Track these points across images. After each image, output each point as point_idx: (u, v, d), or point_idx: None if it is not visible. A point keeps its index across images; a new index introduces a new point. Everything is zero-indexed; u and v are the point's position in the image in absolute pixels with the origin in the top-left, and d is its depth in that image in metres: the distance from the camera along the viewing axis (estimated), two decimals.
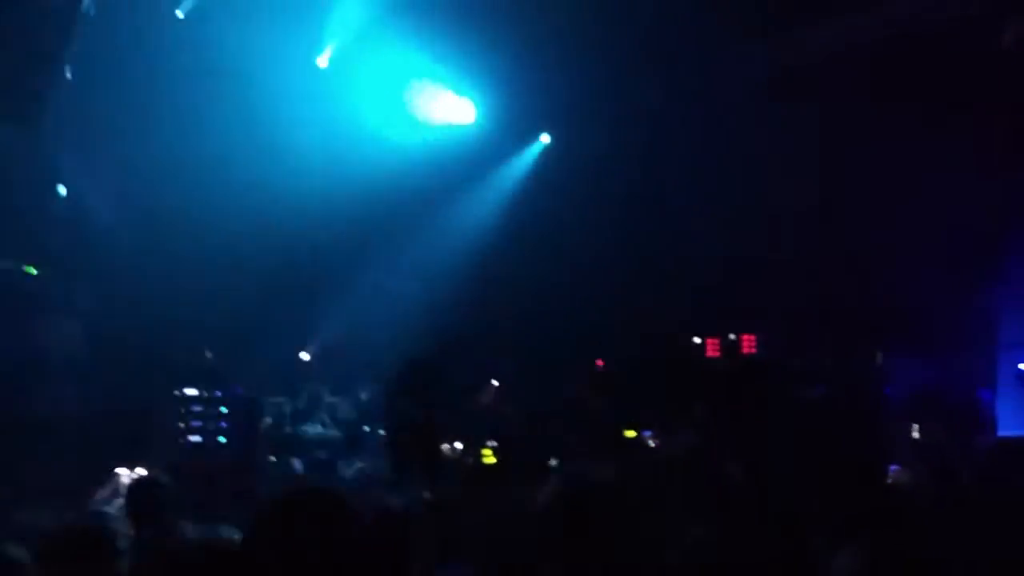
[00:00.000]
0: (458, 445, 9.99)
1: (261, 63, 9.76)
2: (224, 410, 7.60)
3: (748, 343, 10.52)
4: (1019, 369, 9.89)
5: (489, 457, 10.26)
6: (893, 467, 7.23)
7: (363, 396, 10.03)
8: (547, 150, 12.72)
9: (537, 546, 2.75)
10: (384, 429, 8.85)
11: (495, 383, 9.44)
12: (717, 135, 10.89)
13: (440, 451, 7.96)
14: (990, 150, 9.80)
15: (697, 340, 10.95)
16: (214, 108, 9.67)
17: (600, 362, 8.75)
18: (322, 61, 10.88)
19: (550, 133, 12.65)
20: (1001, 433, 8.84)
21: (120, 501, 6.40)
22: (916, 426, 7.91)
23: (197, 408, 7.55)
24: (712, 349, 10.80)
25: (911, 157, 9.79)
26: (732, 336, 10.68)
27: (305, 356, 9.87)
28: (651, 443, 9.19)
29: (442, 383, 7.67)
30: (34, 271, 7.78)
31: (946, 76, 9.79)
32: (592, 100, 11.61)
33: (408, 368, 7.68)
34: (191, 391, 7.61)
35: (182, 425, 7.46)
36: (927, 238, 9.81)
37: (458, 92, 11.68)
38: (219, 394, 7.63)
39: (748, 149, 10.63)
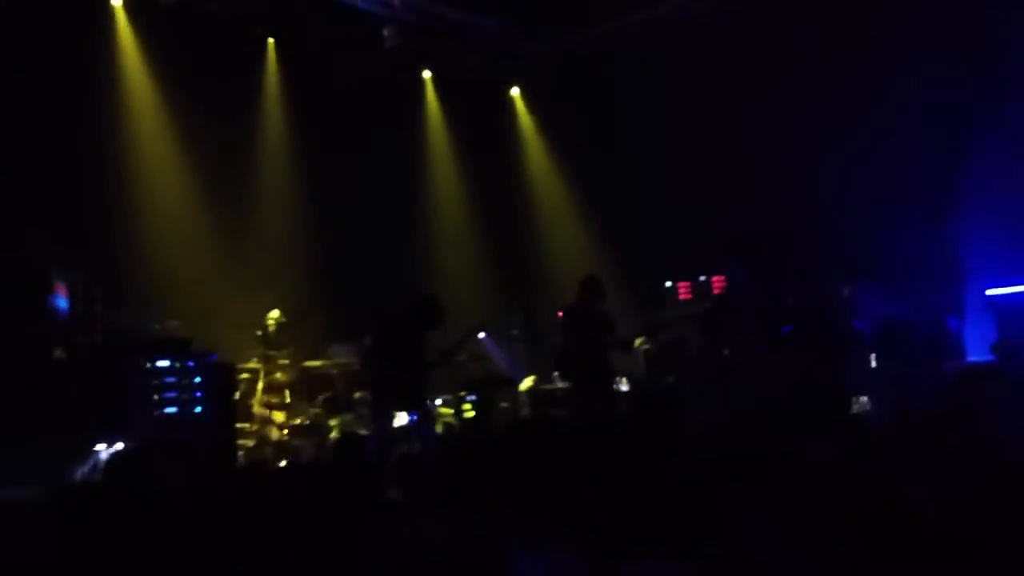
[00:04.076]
0: (438, 402, 10.12)
1: None
2: (198, 380, 7.56)
3: (718, 285, 10.60)
4: (986, 295, 10.04)
5: (470, 412, 10.41)
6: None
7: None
8: None
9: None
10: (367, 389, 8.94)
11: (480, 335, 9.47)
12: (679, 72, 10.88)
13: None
14: (951, 78, 9.85)
15: (668, 283, 11.05)
16: None
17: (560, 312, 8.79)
18: None
19: None
20: (969, 359, 8.99)
21: (99, 477, 6.44)
22: (873, 356, 8.03)
23: (170, 379, 7.50)
24: (684, 292, 10.89)
25: (874, 88, 9.82)
26: (702, 278, 10.77)
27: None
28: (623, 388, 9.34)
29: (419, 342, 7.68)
30: None
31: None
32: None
33: (384, 328, 7.70)
34: (163, 362, 7.54)
35: (156, 397, 7.41)
36: (891, 170, 9.87)
37: None
38: (192, 364, 7.57)
39: (710, 83, 10.62)
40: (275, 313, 9.76)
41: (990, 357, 8.48)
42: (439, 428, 9.31)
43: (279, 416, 9.57)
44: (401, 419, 7.85)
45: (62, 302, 7.70)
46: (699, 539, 2.57)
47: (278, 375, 9.73)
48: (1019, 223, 9.62)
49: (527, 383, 10.83)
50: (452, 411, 10.24)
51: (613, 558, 2.67)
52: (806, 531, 2.61)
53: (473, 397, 10.29)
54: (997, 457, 3.69)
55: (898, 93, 9.76)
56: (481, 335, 9.48)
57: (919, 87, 9.78)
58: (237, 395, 8.94)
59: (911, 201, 9.73)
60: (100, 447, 6.91)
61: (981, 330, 9.51)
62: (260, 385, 9.59)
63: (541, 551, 2.75)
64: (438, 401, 10.07)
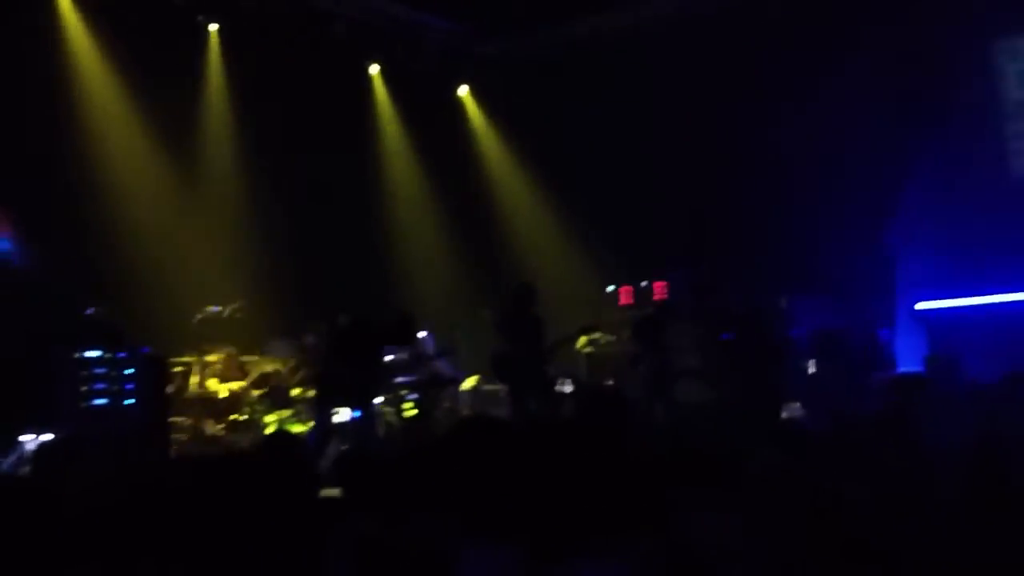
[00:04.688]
0: (379, 400, 10.04)
1: None
2: (130, 371, 7.36)
3: (659, 290, 10.73)
4: (916, 309, 10.34)
5: (410, 411, 10.34)
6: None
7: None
8: None
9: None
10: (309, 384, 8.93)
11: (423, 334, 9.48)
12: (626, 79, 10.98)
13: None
14: (891, 95, 10.12)
15: (611, 288, 11.15)
16: None
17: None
18: None
19: None
20: (900, 370, 9.25)
21: (27, 468, 6.25)
22: (811, 362, 8.24)
23: (101, 370, 7.28)
24: (626, 297, 11.00)
25: (813, 104, 10.03)
26: (644, 283, 10.89)
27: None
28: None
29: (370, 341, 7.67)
30: None
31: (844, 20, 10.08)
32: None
33: (335, 328, 7.67)
34: (94, 353, 7.32)
35: (85, 388, 7.18)
36: (828, 185, 10.10)
37: None
38: (124, 355, 7.37)
39: (656, 92, 10.74)
40: (213, 307, 9.59)
41: (920, 368, 8.72)
42: (381, 427, 9.26)
43: (214, 410, 9.39)
44: (343, 416, 7.78)
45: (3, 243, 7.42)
46: (642, 538, 2.59)
47: (215, 368, 9.55)
48: (949, 240, 9.94)
49: (470, 383, 10.80)
50: (393, 410, 10.17)
51: (556, 557, 2.67)
52: (749, 530, 2.64)
53: (415, 396, 10.23)
54: (924, 462, 3.80)
55: (837, 110, 9.99)
56: (422, 334, 9.46)
57: (858, 105, 10.04)
58: (171, 388, 8.75)
59: (847, 216, 9.98)
60: (27, 438, 6.71)
61: (911, 341, 9.80)
62: (195, 379, 9.40)
63: (484, 551, 2.74)
64: (379, 399, 10.00)
